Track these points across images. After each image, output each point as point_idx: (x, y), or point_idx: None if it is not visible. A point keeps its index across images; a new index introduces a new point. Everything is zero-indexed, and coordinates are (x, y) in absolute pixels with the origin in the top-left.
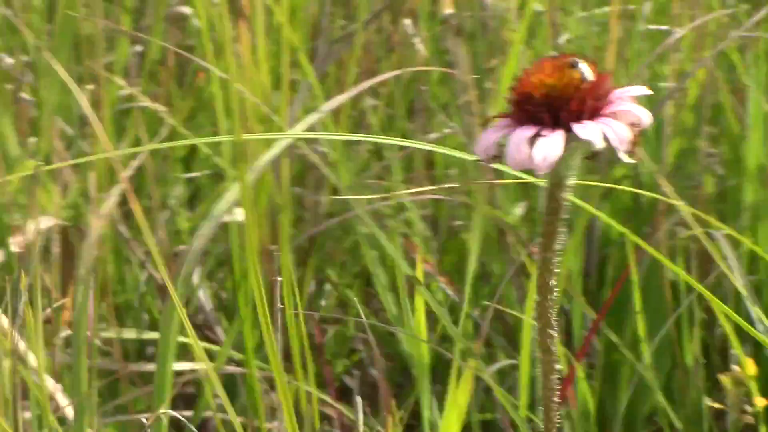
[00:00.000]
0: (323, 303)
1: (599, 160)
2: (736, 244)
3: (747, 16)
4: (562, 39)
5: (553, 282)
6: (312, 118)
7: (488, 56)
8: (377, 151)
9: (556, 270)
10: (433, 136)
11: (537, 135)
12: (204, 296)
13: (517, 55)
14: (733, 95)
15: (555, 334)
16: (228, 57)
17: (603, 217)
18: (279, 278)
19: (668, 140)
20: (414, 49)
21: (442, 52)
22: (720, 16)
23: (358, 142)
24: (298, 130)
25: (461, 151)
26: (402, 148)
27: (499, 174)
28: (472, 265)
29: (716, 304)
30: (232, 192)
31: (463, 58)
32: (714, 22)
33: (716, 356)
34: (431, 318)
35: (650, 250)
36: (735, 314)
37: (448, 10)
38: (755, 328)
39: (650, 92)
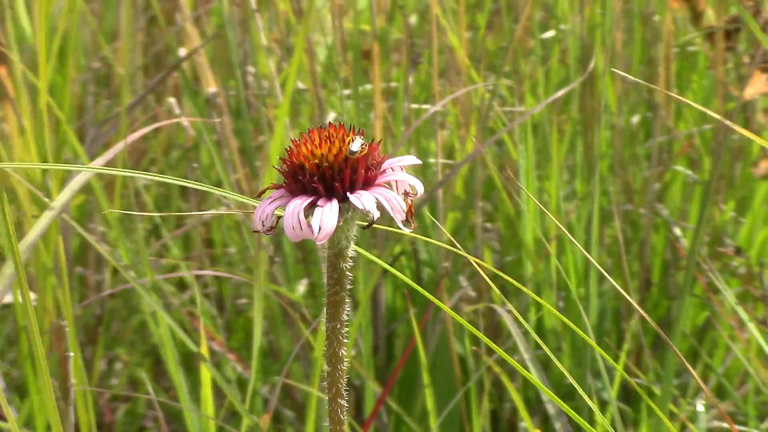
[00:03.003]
0: (114, 381)
1: (376, 231)
2: (522, 316)
3: (508, 91)
4: (329, 117)
5: (343, 352)
6: (75, 185)
7: (255, 133)
8: (155, 229)
9: (345, 340)
10: (209, 214)
11: (313, 205)
12: None
13: (282, 131)
14: (503, 170)
15: (345, 404)
16: None
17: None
18: (71, 354)
19: (443, 215)
20: (181, 127)
21: (209, 129)
22: (482, 93)
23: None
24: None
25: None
26: (179, 225)
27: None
28: (257, 342)
29: (505, 380)
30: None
31: (230, 136)
32: (477, 98)
33: (506, 428)
34: (221, 394)
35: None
36: (523, 386)
37: (211, 88)
38: (543, 401)
39: (420, 162)
